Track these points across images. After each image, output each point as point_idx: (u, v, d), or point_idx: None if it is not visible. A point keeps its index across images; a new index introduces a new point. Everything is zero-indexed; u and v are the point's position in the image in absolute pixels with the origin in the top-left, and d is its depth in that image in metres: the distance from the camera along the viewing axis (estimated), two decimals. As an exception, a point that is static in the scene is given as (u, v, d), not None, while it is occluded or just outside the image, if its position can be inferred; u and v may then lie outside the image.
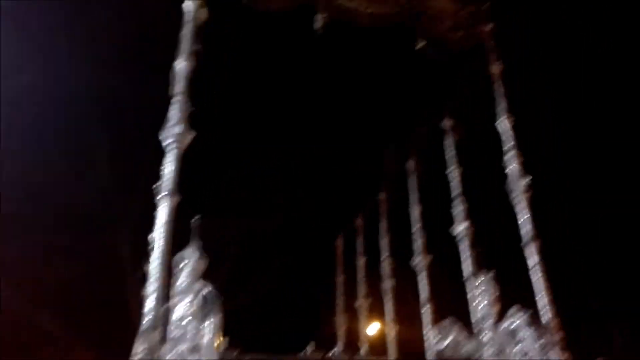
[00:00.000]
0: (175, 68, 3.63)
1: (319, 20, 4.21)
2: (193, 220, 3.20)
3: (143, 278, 2.87)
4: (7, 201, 12.46)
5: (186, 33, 3.81)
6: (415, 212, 5.94)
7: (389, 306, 6.18)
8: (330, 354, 5.22)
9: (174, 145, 3.25)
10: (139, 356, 2.34)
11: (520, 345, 3.67)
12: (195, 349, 2.33)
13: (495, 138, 4.45)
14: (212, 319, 2.43)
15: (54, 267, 13.34)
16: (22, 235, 12.81)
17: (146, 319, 2.44)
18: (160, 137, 3.34)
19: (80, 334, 13.36)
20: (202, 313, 2.45)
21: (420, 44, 4.39)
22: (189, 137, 3.31)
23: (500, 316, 3.94)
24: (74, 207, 13.20)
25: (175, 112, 3.36)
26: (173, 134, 3.26)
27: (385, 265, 6.40)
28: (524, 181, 4.18)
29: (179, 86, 3.50)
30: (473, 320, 4.27)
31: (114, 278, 12.42)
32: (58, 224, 13.11)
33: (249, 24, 4.43)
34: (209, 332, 2.43)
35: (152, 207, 3.25)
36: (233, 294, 12.21)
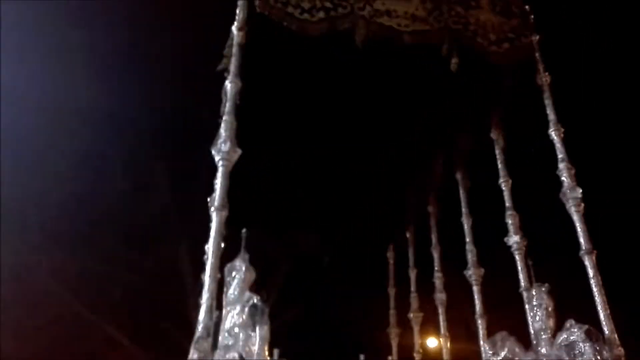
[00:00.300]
0: (225, 88, 3.80)
1: (359, 36, 4.25)
2: (242, 232, 3.31)
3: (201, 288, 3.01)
4: (73, 219, 13.25)
5: (234, 54, 3.97)
6: (466, 224, 5.88)
7: (441, 319, 6.12)
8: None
9: (223, 162, 3.40)
10: (194, 364, 2.46)
11: (579, 359, 3.55)
12: (245, 357, 2.42)
13: (544, 150, 4.35)
14: (260, 329, 2.52)
15: (118, 279, 14.02)
16: (88, 251, 13.58)
17: (200, 327, 2.57)
18: (213, 153, 3.50)
19: (144, 342, 13.91)
20: (251, 322, 2.54)
21: (455, 63, 4.34)
22: (236, 155, 3.45)
23: (556, 330, 3.82)
24: (136, 223, 13.86)
25: (223, 130, 3.51)
26: (221, 151, 3.41)
27: (438, 278, 6.33)
28: (577, 193, 4.06)
29: (227, 105, 3.66)
30: (529, 333, 4.17)
31: (175, 288, 12.90)
32: (121, 239, 13.80)
33: (291, 45, 4.52)
34: (259, 340, 2.52)
35: (209, 219, 3.40)
36: (286, 307, 12.39)
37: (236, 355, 2.34)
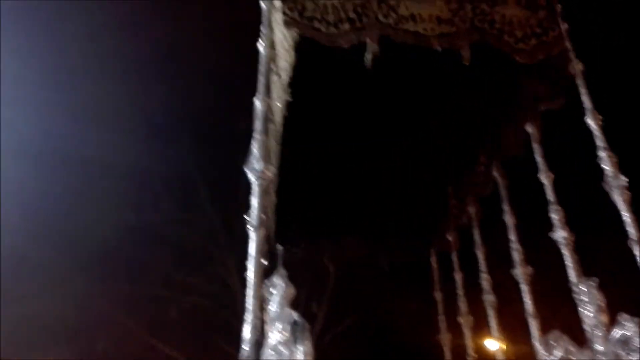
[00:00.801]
0: (255, 106, 3.85)
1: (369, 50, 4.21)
2: (279, 248, 3.34)
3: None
4: (126, 246, 13.70)
5: (262, 72, 4.02)
6: (509, 222, 5.73)
7: (492, 321, 5.97)
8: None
9: (257, 180, 3.44)
10: (242, 381, 2.50)
11: (635, 354, 3.38)
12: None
13: (582, 140, 4.20)
14: (303, 344, 2.53)
15: (172, 300, 14.37)
16: (142, 274, 13.99)
17: (244, 346, 2.61)
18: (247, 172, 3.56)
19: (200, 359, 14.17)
20: (293, 339, 2.56)
21: (466, 56, 4.25)
22: (270, 172, 3.49)
23: (610, 325, 3.66)
24: (186, 245, 14.20)
25: (255, 148, 3.56)
26: (255, 170, 3.46)
27: (484, 279, 6.19)
28: (621, 181, 3.89)
29: (257, 123, 3.70)
30: (582, 330, 4.01)
31: (227, 306, 13.09)
32: (173, 262, 14.16)
33: (323, 59, 4.54)
34: (302, 356, 2.53)
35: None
36: (337, 318, 12.36)
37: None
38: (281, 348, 2.67)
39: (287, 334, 2.64)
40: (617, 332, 3.52)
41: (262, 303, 3.01)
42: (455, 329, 6.83)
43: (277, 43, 4.36)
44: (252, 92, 4.48)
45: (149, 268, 13.68)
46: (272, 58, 4.30)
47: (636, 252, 3.70)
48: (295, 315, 2.64)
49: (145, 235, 13.52)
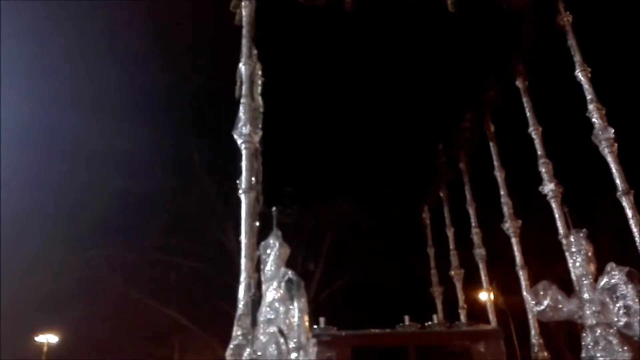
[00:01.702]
0: (239, 71, 3.77)
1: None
2: (273, 210, 3.33)
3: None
4: (122, 214, 13.72)
5: (244, 35, 3.92)
6: (499, 177, 5.75)
7: (483, 274, 6.07)
8: (427, 324, 5.22)
9: (245, 144, 3.40)
10: (238, 339, 2.53)
11: (621, 301, 3.46)
12: (286, 329, 2.47)
13: (570, 93, 4.16)
14: (298, 301, 2.56)
15: (171, 265, 14.52)
16: (139, 241, 14.07)
17: (240, 305, 2.64)
18: (234, 137, 3.51)
19: (203, 320, 14.46)
20: (288, 296, 2.58)
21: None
22: (257, 137, 3.44)
23: (597, 274, 3.73)
24: (183, 211, 14.24)
25: (242, 113, 3.49)
26: (242, 134, 3.41)
27: (475, 234, 6.26)
28: (609, 133, 3.88)
29: (243, 88, 3.63)
30: (571, 281, 4.07)
31: (224, 268, 13.26)
32: (170, 228, 14.23)
33: (301, 19, 4.44)
34: (298, 313, 2.56)
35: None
36: (331, 276, 12.57)
37: (275, 328, 2.38)
38: (277, 305, 2.70)
39: (282, 292, 2.65)
40: (604, 281, 3.58)
41: (257, 263, 3.02)
42: (450, 283, 6.95)
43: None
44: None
45: (147, 234, 13.75)
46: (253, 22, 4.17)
47: (625, 204, 3.73)
48: (290, 273, 2.66)
49: (141, 203, 13.54)
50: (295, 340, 2.39)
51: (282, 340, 2.27)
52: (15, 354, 15.65)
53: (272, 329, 2.38)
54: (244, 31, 3.91)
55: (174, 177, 13.73)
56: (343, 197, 7.89)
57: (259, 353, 2.36)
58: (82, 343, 16.07)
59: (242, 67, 3.73)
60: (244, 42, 3.84)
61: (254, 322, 2.53)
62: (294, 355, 2.28)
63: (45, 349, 17.08)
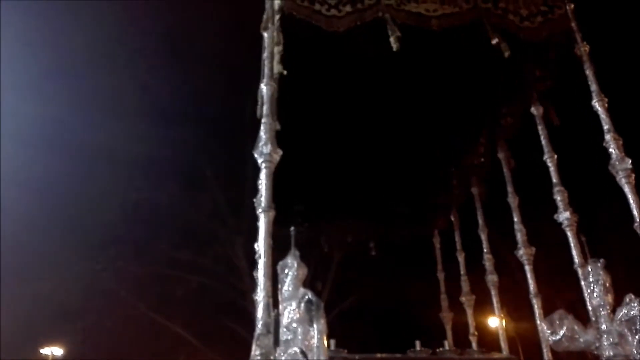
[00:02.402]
0: (261, 91, 3.81)
1: (392, 33, 4.14)
2: (291, 230, 3.33)
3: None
4: (132, 227, 13.73)
5: (266, 57, 3.97)
6: (512, 203, 5.73)
7: (495, 300, 6.00)
8: (438, 351, 5.14)
9: (265, 163, 3.42)
10: (257, 358, 2.51)
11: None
12: (306, 350, 2.45)
13: (587, 123, 4.15)
14: (318, 323, 2.54)
15: (179, 280, 14.46)
16: (148, 255, 14.06)
17: (259, 324, 2.62)
18: (255, 156, 3.53)
19: (208, 337, 14.32)
20: (308, 317, 2.56)
21: (495, 40, 4.19)
22: (278, 156, 3.46)
23: (615, 305, 3.67)
24: (192, 226, 14.23)
25: (263, 132, 3.52)
26: (263, 153, 3.43)
27: (487, 260, 6.21)
28: (626, 164, 3.87)
29: (265, 107, 3.67)
30: (586, 310, 4.01)
31: (233, 285, 13.19)
32: (179, 242, 14.21)
33: (324, 44, 4.49)
34: (317, 334, 2.54)
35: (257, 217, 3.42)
36: (341, 298, 12.44)
37: (297, 349, 2.36)
38: (295, 326, 2.68)
39: (300, 313, 2.63)
40: (622, 312, 3.53)
41: (273, 282, 3.02)
42: (460, 309, 6.86)
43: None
44: (256, 75, 4.43)
45: (156, 248, 13.74)
46: (277, 43, 4.23)
47: (643, 234, 3.69)
48: (309, 294, 2.64)
49: (151, 217, 13.56)
50: (314, 361, 2.37)
51: (304, 361, 2.25)
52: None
53: (294, 349, 2.35)
54: (267, 52, 3.96)
55: (186, 191, 13.79)
56: (353, 217, 7.86)
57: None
58: (87, 356, 15.96)
59: (263, 88, 3.77)
60: (266, 62, 3.89)
61: (275, 342, 2.51)
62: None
63: (50, 361, 16.98)
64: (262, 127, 3.58)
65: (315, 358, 2.38)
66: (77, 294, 14.34)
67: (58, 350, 17.35)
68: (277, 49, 3.98)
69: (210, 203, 13.80)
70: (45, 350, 17.21)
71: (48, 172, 13.31)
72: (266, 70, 3.88)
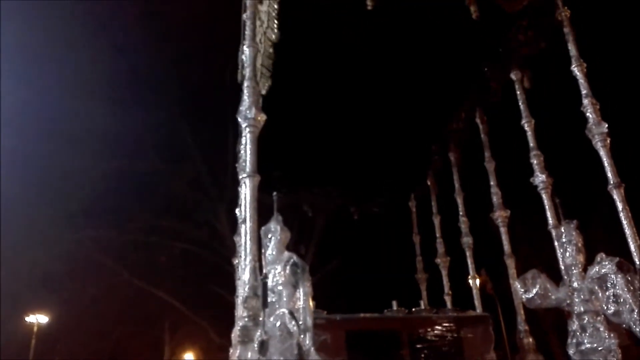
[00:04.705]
0: (243, 54, 3.64)
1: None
2: (274, 195, 3.23)
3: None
4: (113, 194, 13.47)
5: (248, 17, 3.78)
6: (489, 167, 5.74)
7: (469, 262, 6.08)
8: (414, 310, 5.21)
9: (249, 128, 3.29)
10: (245, 320, 2.45)
11: (610, 290, 3.46)
12: (292, 312, 2.40)
13: (565, 88, 4.11)
14: (303, 285, 2.49)
15: (162, 247, 14.34)
16: (131, 223, 13.85)
17: (246, 288, 2.55)
18: (239, 120, 3.39)
19: (195, 303, 14.33)
20: (293, 280, 2.51)
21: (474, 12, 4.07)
22: (262, 120, 3.33)
23: (587, 265, 3.72)
24: (174, 193, 14.02)
25: (247, 96, 3.37)
26: (247, 117, 3.29)
27: (463, 223, 6.25)
28: (602, 128, 3.86)
29: (247, 70, 3.50)
30: (559, 270, 4.07)
31: (217, 251, 13.11)
32: (161, 209, 14.02)
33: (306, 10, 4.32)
34: (303, 296, 2.49)
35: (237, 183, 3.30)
36: (322, 262, 12.54)
37: (285, 311, 2.32)
38: (280, 288, 2.62)
39: (285, 276, 2.57)
40: (594, 270, 3.58)
41: (259, 247, 2.95)
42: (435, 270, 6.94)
43: None
44: (236, 42, 4.24)
45: (138, 216, 13.54)
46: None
47: (615, 197, 3.72)
48: (295, 257, 2.58)
49: (133, 185, 13.30)
50: (300, 322, 2.32)
51: (293, 322, 2.20)
52: (5, 334, 15.39)
53: (282, 311, 2.30)
54: (248, 12, 3.78)
55: (167, 159, 13.52)
56: (332, 183, 7.80)
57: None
58: (72, 323, 15.85)
59: (246, 50, 3.59)
60: (248, 24, 3.71)
61: (263, 305, 2.45)
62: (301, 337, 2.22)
63: (35, 329, 16.81)
64: (245, 91, 3.43)
65: (301, 319, 2.34)
66: (61, 262, 14.13)
67: (43, 318, 17.20)
68: (272, 14, 3.80)
69: (192, 170, 13.58)
70: (31, 318, 17.04)
71: (28, 143, 12.87)
72: (248, 32, 3.69)
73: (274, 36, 3.87)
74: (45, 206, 13.24)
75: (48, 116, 12.81)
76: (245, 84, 3.45)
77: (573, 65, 4.12)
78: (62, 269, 14.18)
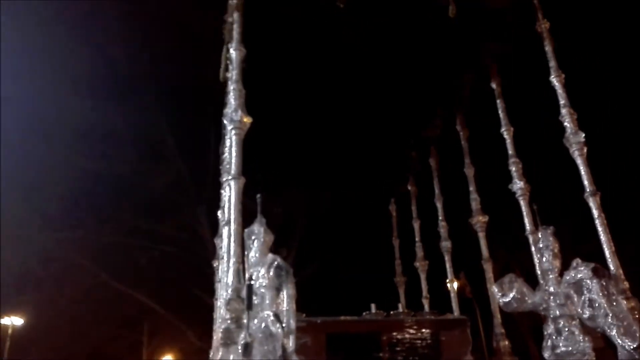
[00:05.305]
0: (228, 54, 3.60)
1: None
2: (257, 197, 3.20)
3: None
4: (92, 195, 13.19)
5: (235, 20, 3.75)
6: (469, 173, 5.80)
7: (448, 265, 6.12)
8: (392, 313, 5.22)
9: (235, 130, 3.25)
10: (227, 323, 2.41)
11: (586, 295, 3.50)
12: (276, 314, 2.37)
13: (544, 97, 4.18)
14: (287, 287, 2.46)
15: (140, 249, 14.07)
16: (110, 224, 13.55)
17: (229, 290, 2.51)
18: (224, 122, 3.35)
19: (174, 305, 14.09)
20: (277, 282, 2.48)
21: (452, 11, 4.12)
22: (248, 122, 3.30)
23: (563, 270, 3.77)
24: (154, 195, 13.77)
25: (233, 98, 3.34)
26: (233, 120, 3.25)
27: (442, 227, 6.30)
28: (580, 137, 3.93)
29: (234, 73, 3.47)
30: (536, 275, 4.11)
31: (197, 253, 12.91)
32: (141, 211, 13.75)
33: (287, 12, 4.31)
34: (287, 298, 2.46)
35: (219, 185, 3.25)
36: (302, 265, 12.46)
37: (270, 313, 2.28)
38: (263, 291, 2.59)
39: (269, 278, 2.54)
40: (570, 275, 3.62)
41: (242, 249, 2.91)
42: (414, 274, 6.98)
43: None
44: (219, 43, 4.20)
45: (117, 217, 13.27)
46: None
47: (591, 204, 3.78)
48: (279, 259, 2.55)
49: (112, 185, 13.04)
50: (284, 325, 2.29)
51: (277, 325, 2.16)
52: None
53: (266, 313, 2.27)
54: (235, 16, 3.74)
55: (147, 160, 13.28)
56: (314, 187, 7.80)
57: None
58: (48, 326, 15.43)
59: (232, 53, 3.56)
60: (235, 27, 3.67)
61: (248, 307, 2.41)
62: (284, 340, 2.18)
63: (10, 331, 16.33)
64: (231, 93, 3.39)
65: (285, 321, 2.31)
66: (37, 263, 13.76)
67: (18, 320, 16.72)
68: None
69: (172, 171, 13.37)
70: (5, 320, 16.55)
71: (6, 142, 12.51)
72: (235, 35, 3.66)
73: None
74: (20, 206, 12.88)
75: (24, 113, 12.48)
76: (231, 86, 3.42)
77: (552, 76, 4.19)
78: (39, 271, 13.81)
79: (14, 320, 16.55)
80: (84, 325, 15.29)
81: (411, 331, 4.69)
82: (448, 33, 4.76)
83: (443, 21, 4.46)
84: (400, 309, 5.92)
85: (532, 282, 3.90)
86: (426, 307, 6.59)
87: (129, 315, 15.24)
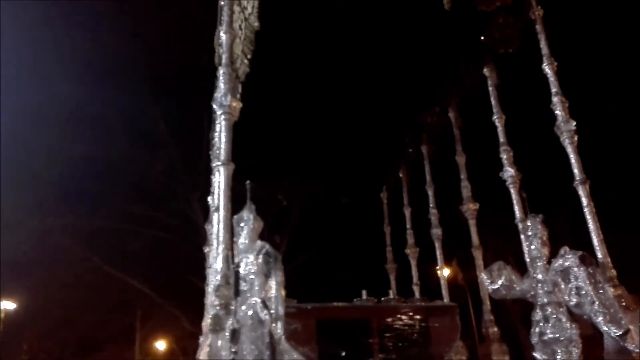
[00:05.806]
0: (220, 39, 3.52)
1: None
2: (247, 183, 3.15)
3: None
4: (84, 180, 13.06)
5: (226, 4, 3.67)
6: (460, 161, 5.79)
7: (438, 253, 6.14)
8: (383, 299, 5.23)
9: (225, 115, 3.19)
10: (216, 309, 2.39)
11: (573, 283, 3.51)
12: (264, 301, 2.34)
13: (537, 85, 4.15)
14: (276, 274, 2.43)
15: (132, 234, 14.00)
16: (102, 209, 13.46)
17: (218, 277, 2.48)
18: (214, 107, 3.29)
19: (167, 291, 14.08)
20: (266, 269, 2.46)
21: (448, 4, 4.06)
22: (238, 107, 3.23)
23: (551, 258, 3.78)
24: (147, 181, 13.67)
25: (222, 83, 3.27)
26: (222, 105, 3.19)
27: (433, 215, 6.30)
28: (570, 126, 3.91)
29: (224, 57, 3.39)
30: (525, 262, 4.12)
31: (189, 239, 12.88)
32: (134, 196, 13.66)
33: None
34: (275, 285, 2.44)
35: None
36: (295, 252, 12.48)
37: (258, 299, 2.26)
38: (252, 277, 2.56)
39: (258, 265, 2.51)
40: (557, 263, 3.63)
41: (231, 235, 2.87)
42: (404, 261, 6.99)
43: None
44: (211, 28, 4.12)
45: (110, 202, 13.17)
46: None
47: (581, 192, 3.78)
48: (267, 246, 2.51)
49: (105, 170, 12.92)
50: (272, 311, 2.27)
51: (265, 311, 2.14)
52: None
53: (254, 300, 2.24)
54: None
55: (139, 145, 13.16)
56: (305, 174, 7.75)
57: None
58: (40, 311, 15.40)
59: (222, 36, 3.47)
60: (225, 9, 3.58)
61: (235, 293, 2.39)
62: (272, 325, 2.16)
63: (2, 315, 16.28)
64: (220, 78, 3.32)
65: (273, 308, 2.28)
66: (29, 248, 13.66)
67: (10, 305, 16.67)
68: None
69: (165, 156, 13.27)
70: (-3, 305, 16.50)
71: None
72: (225, 17, 3.57)
73: (256, 24, 3.75)
74: (12, 190, 12.74)
75: (14, 96, 12.27)
76: (221, 70, 3.34)
77: (544, 64, 4.15)
78: (31, 256, 13.72)
79: (6, 305, 16.51)
80: (77, 310, 15.28)
81: (401, 317, 4.71)
82: (445, 22, 4.71)
83: (438, 11, 4.40)
84: (391, 296, 5.93)
85: (525, 270, 3.91)
86: (417, 294, 6.61)
87: (122, 300, 15.23)
